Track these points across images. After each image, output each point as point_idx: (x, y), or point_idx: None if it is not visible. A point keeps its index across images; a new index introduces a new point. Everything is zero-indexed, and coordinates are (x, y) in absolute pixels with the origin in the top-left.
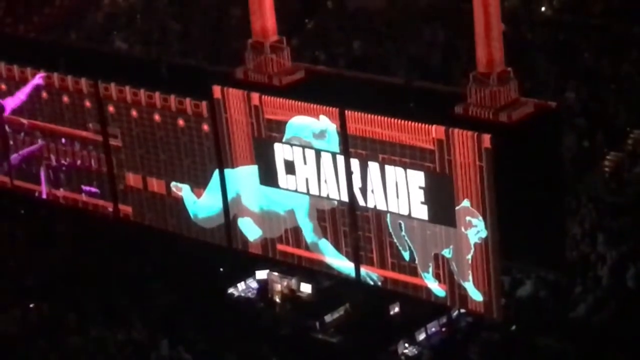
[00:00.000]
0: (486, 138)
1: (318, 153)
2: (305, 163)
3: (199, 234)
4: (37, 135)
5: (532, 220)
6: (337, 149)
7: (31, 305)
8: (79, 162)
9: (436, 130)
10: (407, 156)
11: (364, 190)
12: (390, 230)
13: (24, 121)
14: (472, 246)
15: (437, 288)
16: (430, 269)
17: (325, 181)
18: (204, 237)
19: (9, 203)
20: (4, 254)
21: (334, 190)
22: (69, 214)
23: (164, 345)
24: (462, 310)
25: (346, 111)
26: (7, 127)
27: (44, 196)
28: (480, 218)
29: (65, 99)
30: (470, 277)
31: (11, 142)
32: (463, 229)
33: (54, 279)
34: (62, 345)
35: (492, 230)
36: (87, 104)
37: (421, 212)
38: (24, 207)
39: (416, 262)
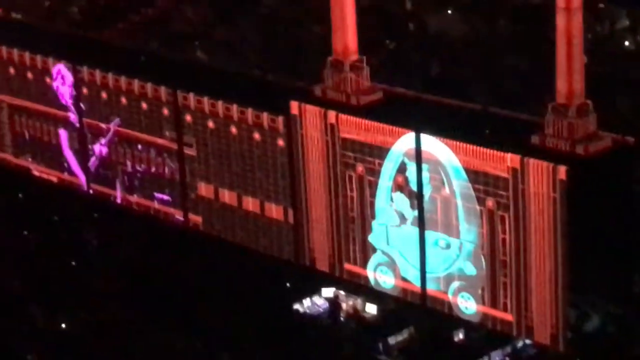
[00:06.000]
0: (562, 170)
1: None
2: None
3: (267, 248)
4: (114, 140)
5: (602, 254)
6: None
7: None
8: (153, 169)
9: (511, 159)
10: (481, 183)
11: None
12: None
13: (103, 125)
14: (541, 277)
15: (503, 317)
16: (499, 298)
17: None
18: (272, 251)
19: (83, 206)
20: (72, 256)
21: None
22: (140, 220)
23: (225, 358)
24: (528, 341)
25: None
26: (86, 131)
27: (119, 201)
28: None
29: (144, 105)
30: (538, 308)
31: (90, 146)
32: (533, 260)
33: (122, 282)
34: (125, 348)
35: (562, 262)
36: (165, 111)
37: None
38: (98, 211)
39: (485, 291)
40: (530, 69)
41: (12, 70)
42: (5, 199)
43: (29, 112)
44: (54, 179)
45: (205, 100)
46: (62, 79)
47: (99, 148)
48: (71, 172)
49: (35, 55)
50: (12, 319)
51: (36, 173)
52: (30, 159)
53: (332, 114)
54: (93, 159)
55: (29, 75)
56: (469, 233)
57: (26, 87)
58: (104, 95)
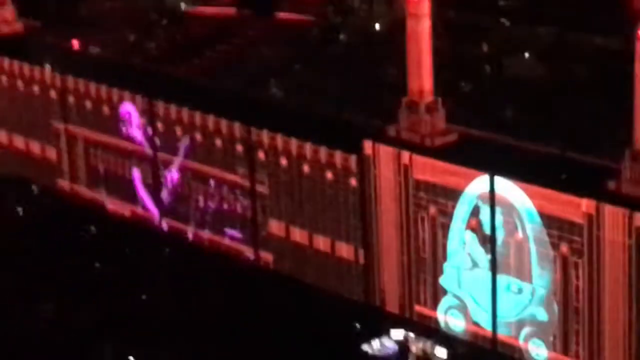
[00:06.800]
0: (638, 217)
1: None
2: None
3: (337, 287)
4: (187, 176)
5: None
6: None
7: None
8: (225, 205)
9: (587, 204)
10: (555, 228)
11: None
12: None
13: (175, 159)
14: (614, 325)
15: None
16: (570, 345)
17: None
18: (342, 291)
19: (155, 241)
20: (143, 289)
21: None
22: (211, 256)
23: None
24: None
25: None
26: (160, 166)
27: (190, 237)
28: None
29: (218, 142)
30: (611, 358)
31: (161, 176)
32: (607, 308)
33: (192, 317)
34: None
35: (636, 311)
36: (239, 148)
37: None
38: (170, 246)
39: (557, 337)
40: (607, 114)
41: (88, 104)
42: (78, 231)
43: (103, 146)
44: (127, 213)
45: (279, 137)
46: (137, 113)
47: (170, 175)
48: (144, 208)
49: (111, 90)
50: (83, 353)
51: (110, 207)
52: (104, 193)
53: (405, 155)
54: (165, 189)
55: (105, 109)
56: (542, 278)
57: (101, 121)
58: (178, 131)
